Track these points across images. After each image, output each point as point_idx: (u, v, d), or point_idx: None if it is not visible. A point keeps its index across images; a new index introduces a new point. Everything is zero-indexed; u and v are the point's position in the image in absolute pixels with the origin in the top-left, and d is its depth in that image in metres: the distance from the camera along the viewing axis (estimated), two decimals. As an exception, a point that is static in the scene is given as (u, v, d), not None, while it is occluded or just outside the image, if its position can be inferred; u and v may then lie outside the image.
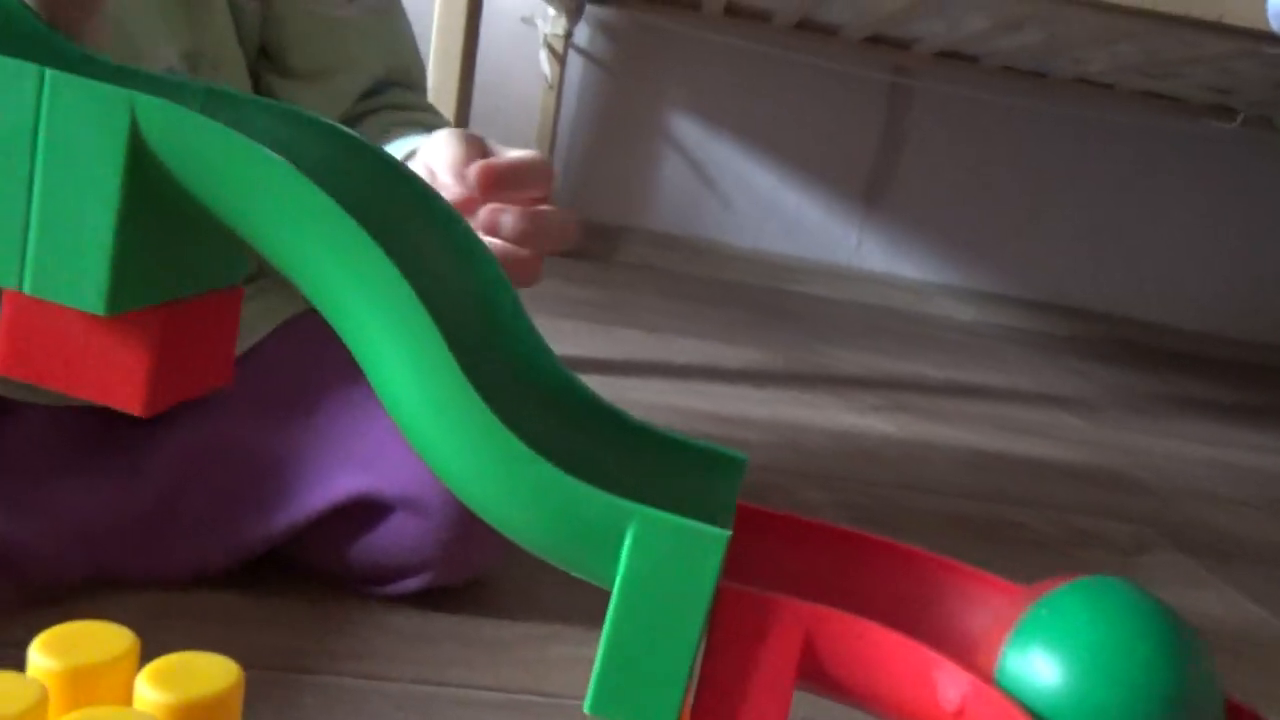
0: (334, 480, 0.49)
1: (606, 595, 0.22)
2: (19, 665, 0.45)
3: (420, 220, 0.26)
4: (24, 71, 0.20)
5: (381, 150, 0.26)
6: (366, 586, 0.52)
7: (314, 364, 0.52)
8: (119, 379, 0.22)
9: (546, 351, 0.27)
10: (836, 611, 0.22)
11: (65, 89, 0.20)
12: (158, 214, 0.21)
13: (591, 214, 1.93)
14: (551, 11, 1.72)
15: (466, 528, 0.50)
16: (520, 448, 0.21)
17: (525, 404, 0.26)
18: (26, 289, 0.20)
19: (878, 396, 1.24)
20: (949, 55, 1.81)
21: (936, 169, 1.97)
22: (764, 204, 1.96)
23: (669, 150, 1.92)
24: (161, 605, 0.51)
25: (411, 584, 0.51)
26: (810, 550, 0.26)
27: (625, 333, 1.35)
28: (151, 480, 0.49)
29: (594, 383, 1.12)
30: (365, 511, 0.50)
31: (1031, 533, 0.85)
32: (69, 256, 0.20)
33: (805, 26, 1.77)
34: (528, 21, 1.75)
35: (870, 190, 1.97)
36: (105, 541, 0.49)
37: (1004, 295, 2.04)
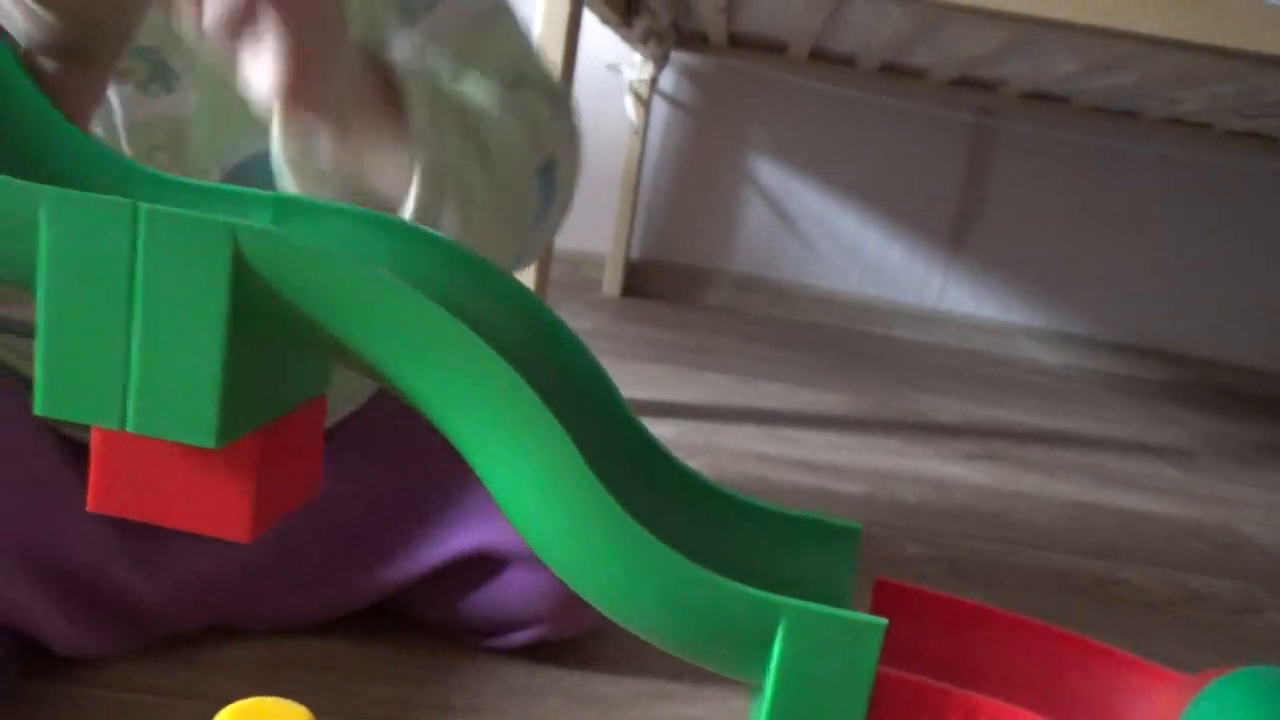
0: (451, 535, 0.50)
1: None
2: (145, 710, 0.47)
3: (500, 307, 0.26)
4: (118, 208, 0.19)
5: (449, 240, 0.25)
6: (477, 639, 0.53)
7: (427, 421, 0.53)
8: (221, 508, 0.21)
9: (639, 429, 0.27)
10: (997, 702, 0.22)
11: (163, 223, 0.19)
12: (261, 340, 0.20)
13: (675, 257, 1.95)
14: (637, 58, 1.75)
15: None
16: (667, 553, 0.21)
17: (636, 492, 0.25)
18: (130, 427, 0.20)
19: (968, 444, 1.22)
20: (1036, 96, 1.79)
21: (1022, 209, 1.95)
22: (847, 246, 1.95)
23: (752, 193, 1.93)
24: (277, 655, 0.52)
25: (522, 637, 0.51)
26: (954, 628, 0.26)
27: (711, 377, 1.35)
28: (271, 533, 0.51)
29: (682, 428, 1.13)
30: (480, 565, 0.50)
31: (1136, 590, 0.83)
32: (174, 391, 0.19)
33: (890, 69, 1.77)
34: (613, 69, 1.78)
35: (955, 231, 1.96)
36: (225, 592, 0.50)
37: (1093, 338, 1.99)
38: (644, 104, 1.80)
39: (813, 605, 0.21)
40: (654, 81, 1.78)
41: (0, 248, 0.20)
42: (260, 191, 0.25)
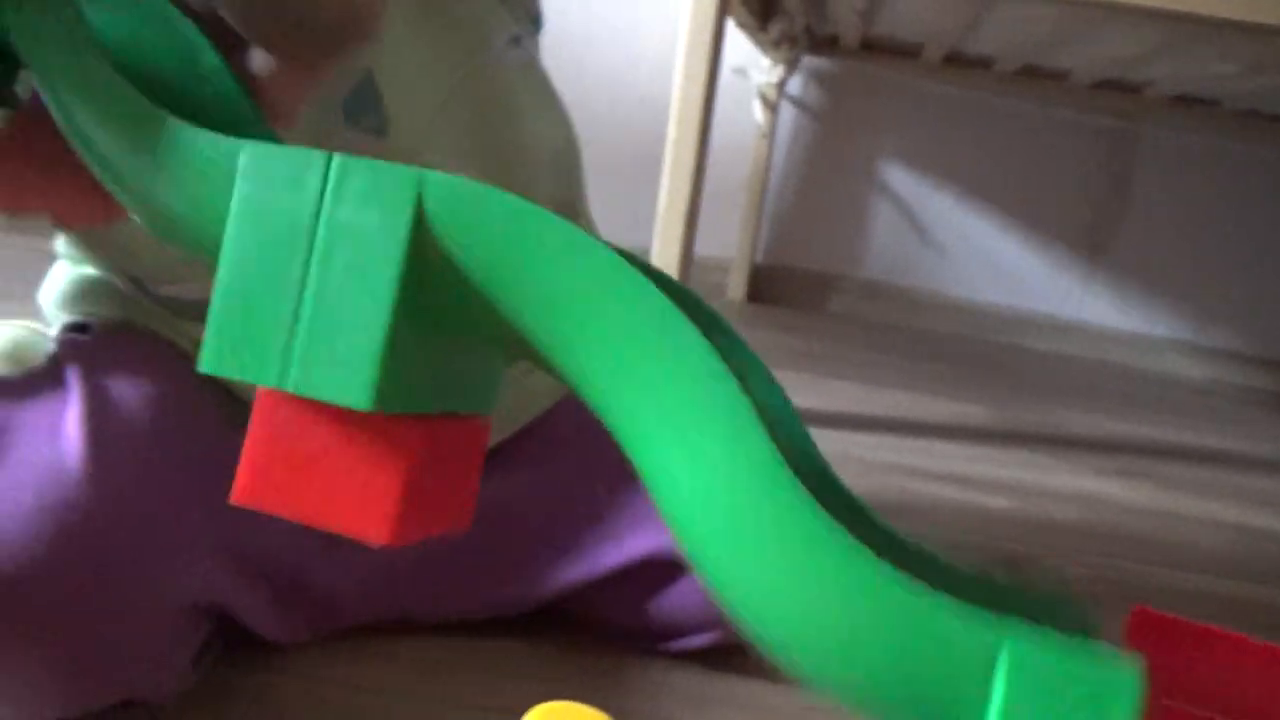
0: (630, 539, 0.50)
1: None
2: (334, 700, 0.48)
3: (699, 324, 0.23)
4: (311, 161, 0.19)
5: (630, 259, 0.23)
6: (652, 641, 0.53)
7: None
8: (369, 502, 0.20)
9: (825, 467, 0.23)
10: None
11: (352, 173, 0.19)
12: (433, 309, 0.19)
13: (800, 262, 1.93)
14: (766, 62, 1.74)
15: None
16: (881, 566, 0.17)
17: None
18: (290, 387, 0.19)
19: (1111, 460, 1.18)
20: (1182, 99, 1.72)
21: (1166, 217, 1.87)
22: (981, 254, 1.90)
23: (881, 199, 1.90)
24: (453, 652, 0.53)
25: (699, 641, 0.51)
26: (1225, 664, 0.25)
27: (842, 384, 1.33)
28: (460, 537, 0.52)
29: (815, 436, 1.11)
30: (657, 570, 0.51)
31: (1313, 622, 0.78)
32: (338, 350, 0.19)
33: (1029, 73, 1.72)
34: (739, 72, 1.77)
35: (1095, 240, 1.89)
36: (408, 585, 0.52)
37: (1241, 353, 1.90)
38: (772, 108, 1.79)
39: (1046, 632, 0.17)
40: (782, 85, 1.77)
41: (193, 200, 0.20)
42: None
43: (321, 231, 0.19)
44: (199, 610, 0.44)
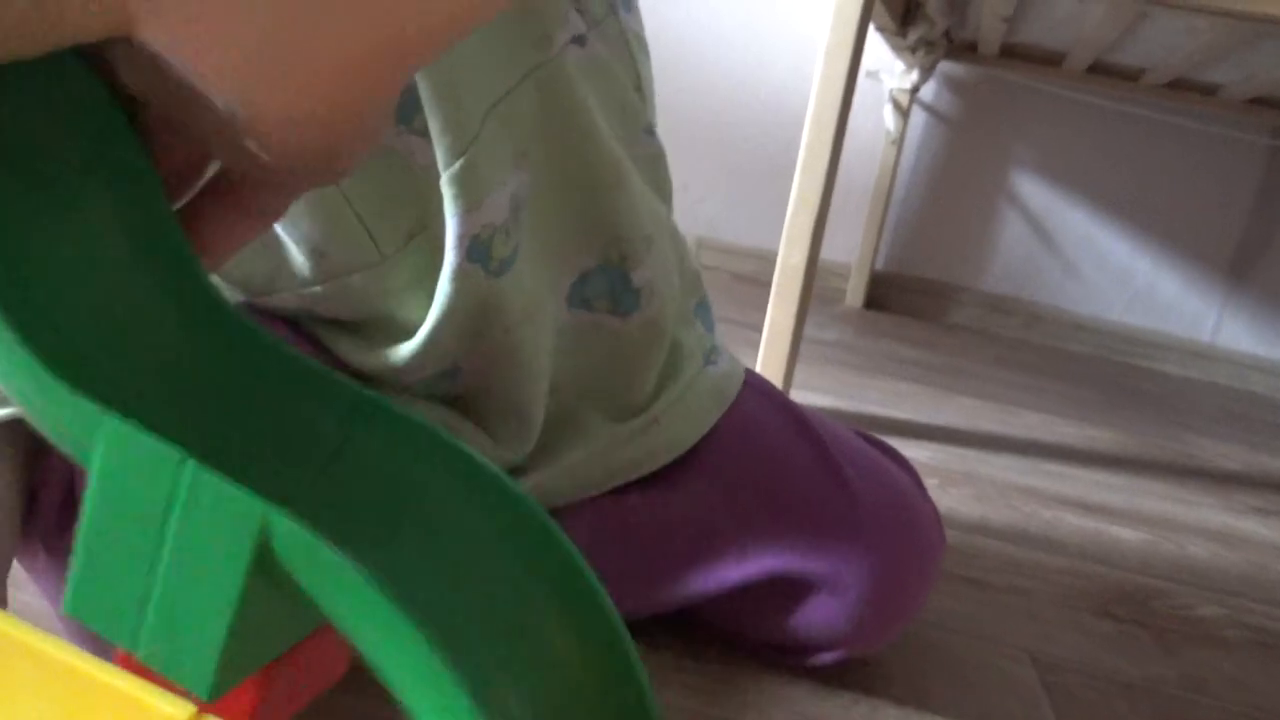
0: (757, 556, 0.49)
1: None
2: None
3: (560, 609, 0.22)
4: (167, 458, 0.19)
5: (542, 514, 0.22)
6: (774, 655, 0.53)
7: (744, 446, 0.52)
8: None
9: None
10: None
11: (202, 490, 0.19)
12: (280, 607, 0.20)
13: (922, 271, 1.89)
14: (899, 66, 1.70)
15: (880, 610, 0.49)
16: None
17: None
18: (140, 656, 0.19)
19: (1256, 496, 1.12)
20: (1345, 118, 1.62)
21: (1317, 243, 1.77)
22: (1113, 272, 1.83)
23: (1010, 210, 1.85)
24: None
25: (821, 659, 0.51)
26: None
27: (964, 400, 1.30)
28: (581, 531, 0.52)
29: (937, 452, 1.09)
30: (785, 587, 0.50)
31: None
32: (182, 640, 0.19)
33: (1178, 85, 1.65)
34: (873, 76, 1.74)
35: (1236, 263, 1.80)
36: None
37: (1393, 390, 1.79)
38: (903, 113, 1.75)
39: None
40: (915, 90, 1.73)
41: (62, 442, 0.20)
42: (345, 382, 0.23)
43: (173, 529, 0.19)
44: None
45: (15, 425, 0.40)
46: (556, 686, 0.21)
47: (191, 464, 0.19)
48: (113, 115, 0.22)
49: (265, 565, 0.18)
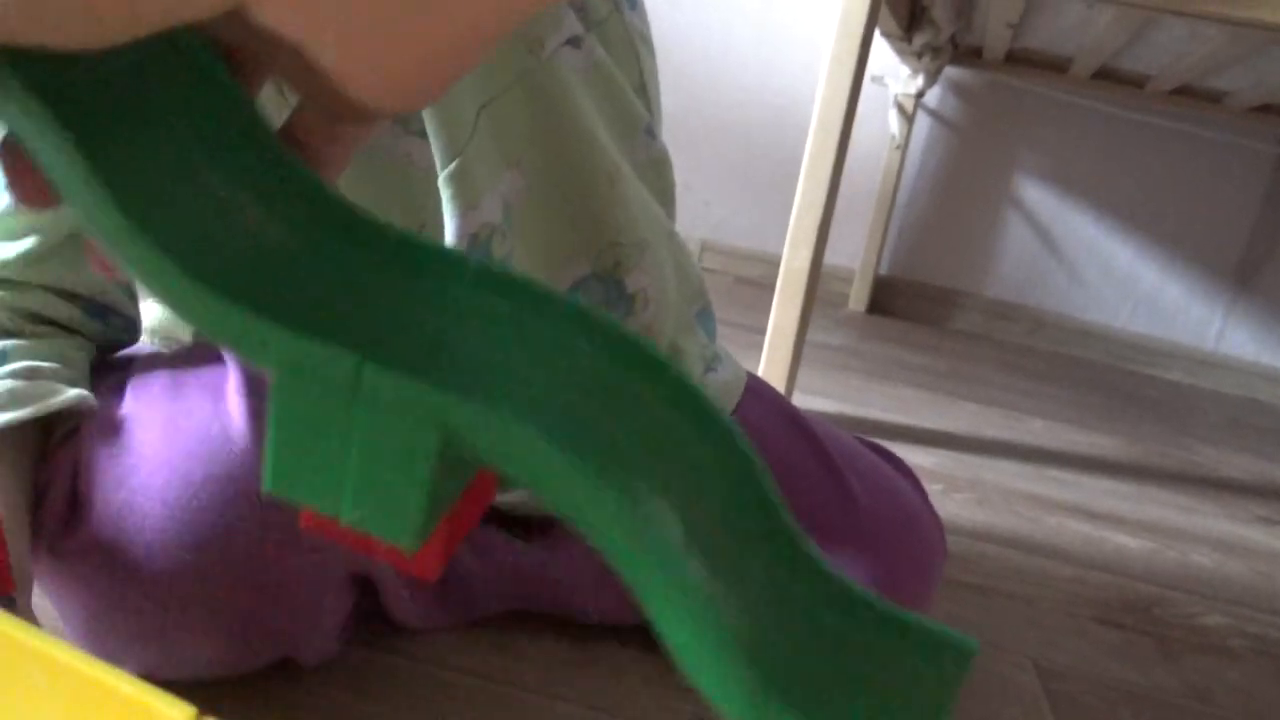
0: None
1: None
2: (462, 690, 0.48)
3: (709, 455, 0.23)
4: (341, 362, 0.20)
5: (674, 370, 0.23)
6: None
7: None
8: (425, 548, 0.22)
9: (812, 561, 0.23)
10: None
11: (383, 388, 0.20)
12: (461, 466, 0.21)
13: (925, 276, 1.89)
14: (904, 72, 1.70)
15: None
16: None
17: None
18: (345, 520, 0.21)
19: (1261, 505, 1.12)
20: (1351, 127, 1.62)
21: (1323, 251, 1.77)
22: (1117, 279, 1.83)
23: (1014, 216, 1.84)
24: (582, 653, 0.53)
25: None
26: None
27: (968, 406, 1.30)
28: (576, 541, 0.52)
29: (941, 458, 1.09)
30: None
31: None
32: (383, 501, 0.20)
33: (1184, 92, 1.65)
34: (878, 81, 1.74)
35: (1241, 271, 1.80)
36: (541, 584, 0.52)
37: (1398, 398, 1.79)
38: (908, 118, 1.75)
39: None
40: (920, 95, 1.73)
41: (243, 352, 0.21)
42: (470, 257, 0.24)
43: (359, 421, 0.20)
44: (350, 580, 0.46)
45: (21, 430, 0.40)
46: (699, 503, 0.22)
47: (369, 368, 0.20)
48: (230, 83, 0.23)
49: (449, 446, 0.20)
